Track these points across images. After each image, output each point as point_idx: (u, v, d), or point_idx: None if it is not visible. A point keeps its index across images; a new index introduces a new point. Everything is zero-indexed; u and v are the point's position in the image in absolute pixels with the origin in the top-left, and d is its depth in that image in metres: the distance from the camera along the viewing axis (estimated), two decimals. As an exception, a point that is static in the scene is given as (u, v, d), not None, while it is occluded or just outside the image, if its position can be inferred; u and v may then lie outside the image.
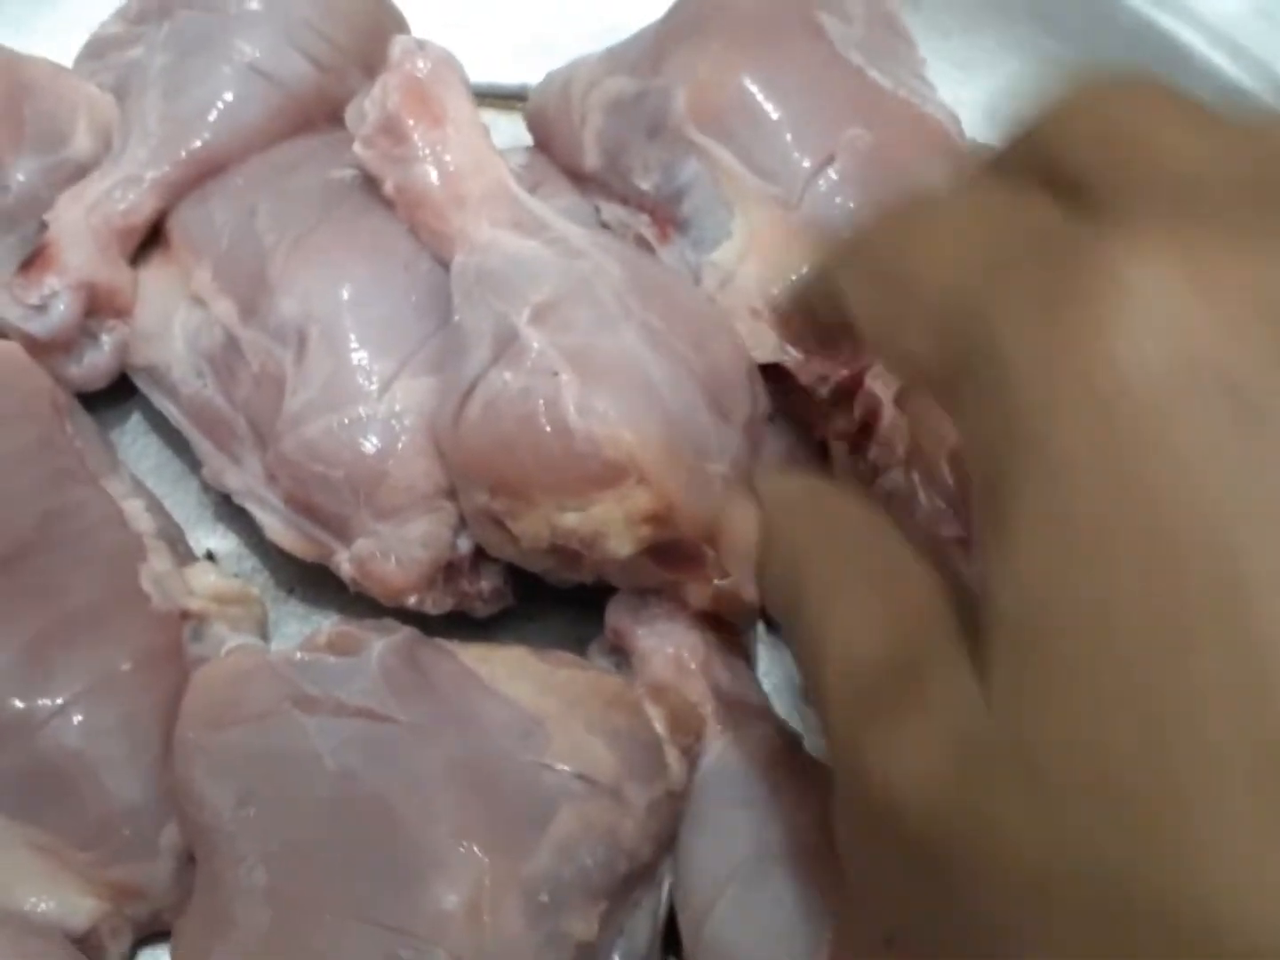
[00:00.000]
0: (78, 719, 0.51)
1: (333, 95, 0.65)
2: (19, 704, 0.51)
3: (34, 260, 0.62)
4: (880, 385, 0.56)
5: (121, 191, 0.63)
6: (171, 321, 0.62)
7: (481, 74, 0.68)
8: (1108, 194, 0.34)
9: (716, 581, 0.53)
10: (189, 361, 0.61)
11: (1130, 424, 0.30)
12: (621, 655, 0.57)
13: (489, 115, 0.67)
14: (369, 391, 0.56)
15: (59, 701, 0.52)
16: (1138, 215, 0.32)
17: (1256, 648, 0.28)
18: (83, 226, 0.62)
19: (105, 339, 0.63)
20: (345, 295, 0.58)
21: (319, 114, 0.66)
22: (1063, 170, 0.36)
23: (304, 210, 0.61)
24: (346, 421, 0.56)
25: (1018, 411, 0.32)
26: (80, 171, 0.65)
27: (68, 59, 0.70)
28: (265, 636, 0.60)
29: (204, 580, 0.58)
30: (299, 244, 0.59)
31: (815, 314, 0.46)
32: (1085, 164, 0.35)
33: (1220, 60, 0.70)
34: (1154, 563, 0.29)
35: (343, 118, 0.62)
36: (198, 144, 0.64)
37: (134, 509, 0.59)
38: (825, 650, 0.38)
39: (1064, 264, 0.32)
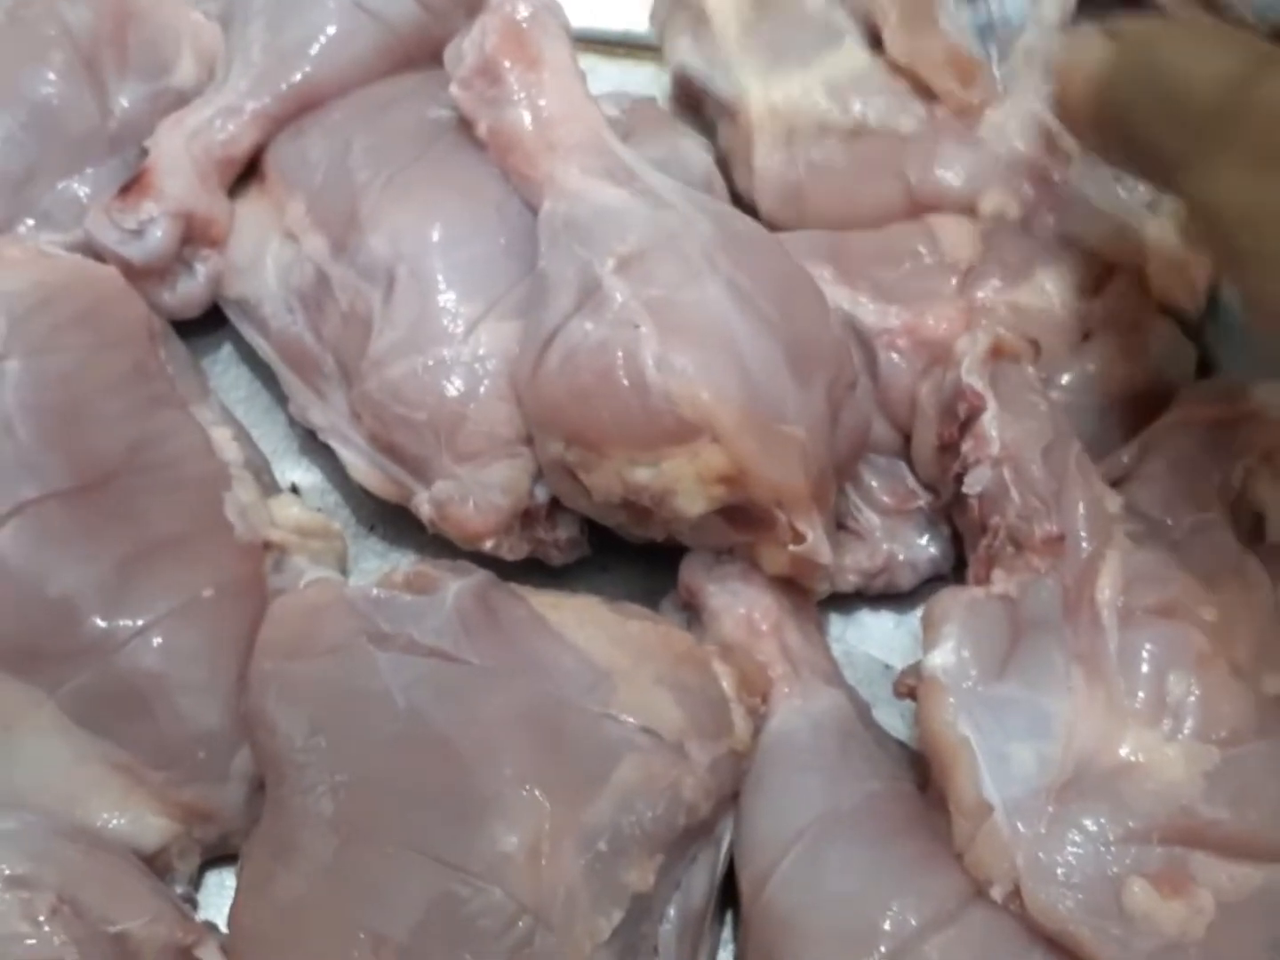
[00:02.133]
0: (158, 641, 0.53)
1: (436, 36, 0.65)
2: (102, 623, 0.52)
3: (133, 186, 0.62)
4: (979, 381, 0.56)
5: (222, 121, 0.64)
6: (264, 255, 0.62)
7: (583, 19, 0.69)
8: None
9: (791, 547, 0.54)
10: (280, 296, 0.62)
11: None
12: (693, 612, 0.57)
13: (589, 60, 0.67)
14: (454, 334, 0.57)
15: (140, 623, 0.53)
16: None
17: None
18: (183, 155, 0.63)
19: (200, 268, 0.64)
20: (435, 236, 0.58)
21: (421, 54, 0.66)
22: None
23: (398, 148, 0.61)
24: (430, 364, 0.57)
25: None
26: (183, 99, 0.66)
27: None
28: (345, 571, 0.61)
29: (287, 512, 0.59)
30: (391, 182, 0.60)
31: None
32: None
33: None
34: None
35: (443, 60, 0.62)
36: (299, 77, 0.64)
37: (222, 437, 0.60)
38: None
39: None
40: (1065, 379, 0.61)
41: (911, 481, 0.61)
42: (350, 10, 0.65)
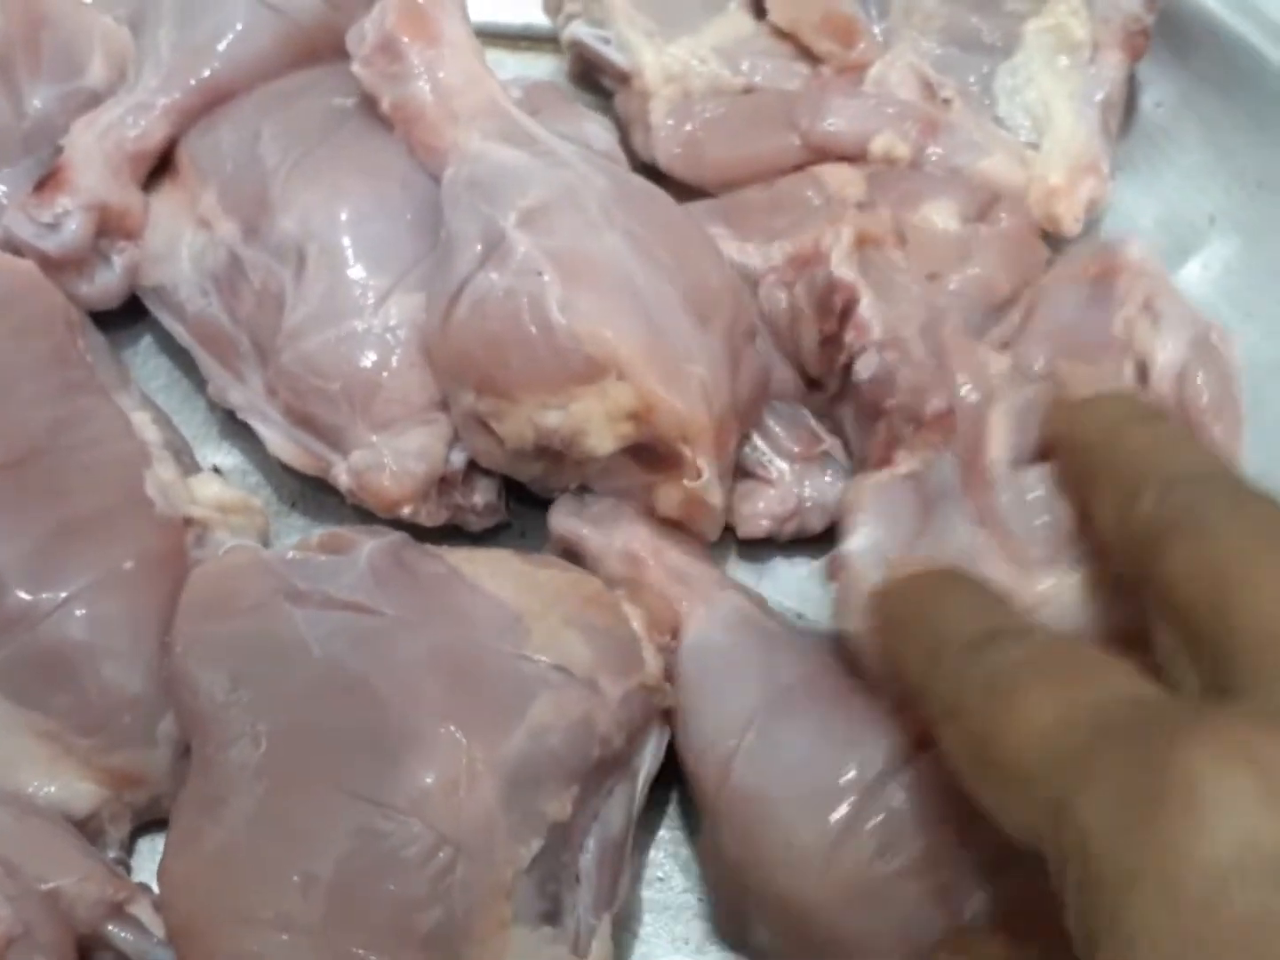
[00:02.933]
0: (81, 611, 0.54)
1: (339, 29, 0.66)
2: (25, 596, 0.53)
3: (48, 181, 0.64)
4: (850, 271, 0.57)
5: (134, 117, 0.65)
6: (179, 243, 0.64)
7: (485, 13, 0.71)
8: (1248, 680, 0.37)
9: (687, 483, 0.55)
10: (195, 281, 0.63)
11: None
12: (574, 559, 0.58)
13: (493, 55, 0.69)
14: (364, 306, 0.58)
15: (63, 595, 0.54)
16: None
17: None
18: (96, 150, 0.64)
19: (116, 259, 0.65)
20: (343, 214, 0.60)
21: (325, 46, 0.67)
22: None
23: (305, 134, 0.63)
24: (343, 335, 0.58)
25: (1103, 893, 0.34)
26: (95, 99, 0.67)
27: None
28: (266, 545, 0.62)
29: (207, 490, 0.60)
30: (299, 165, 0.61)
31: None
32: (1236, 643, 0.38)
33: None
34: None
35: (348, 51, 0.64)
36: (207, 72, 0.66)
37: (141, 420, 0.61)
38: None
39: (1151, 762, 0.35)
40: (952, 284, 0.62)
41: (816, 426, 0.62)
42: (255, 6, 0.66)
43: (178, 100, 0.65)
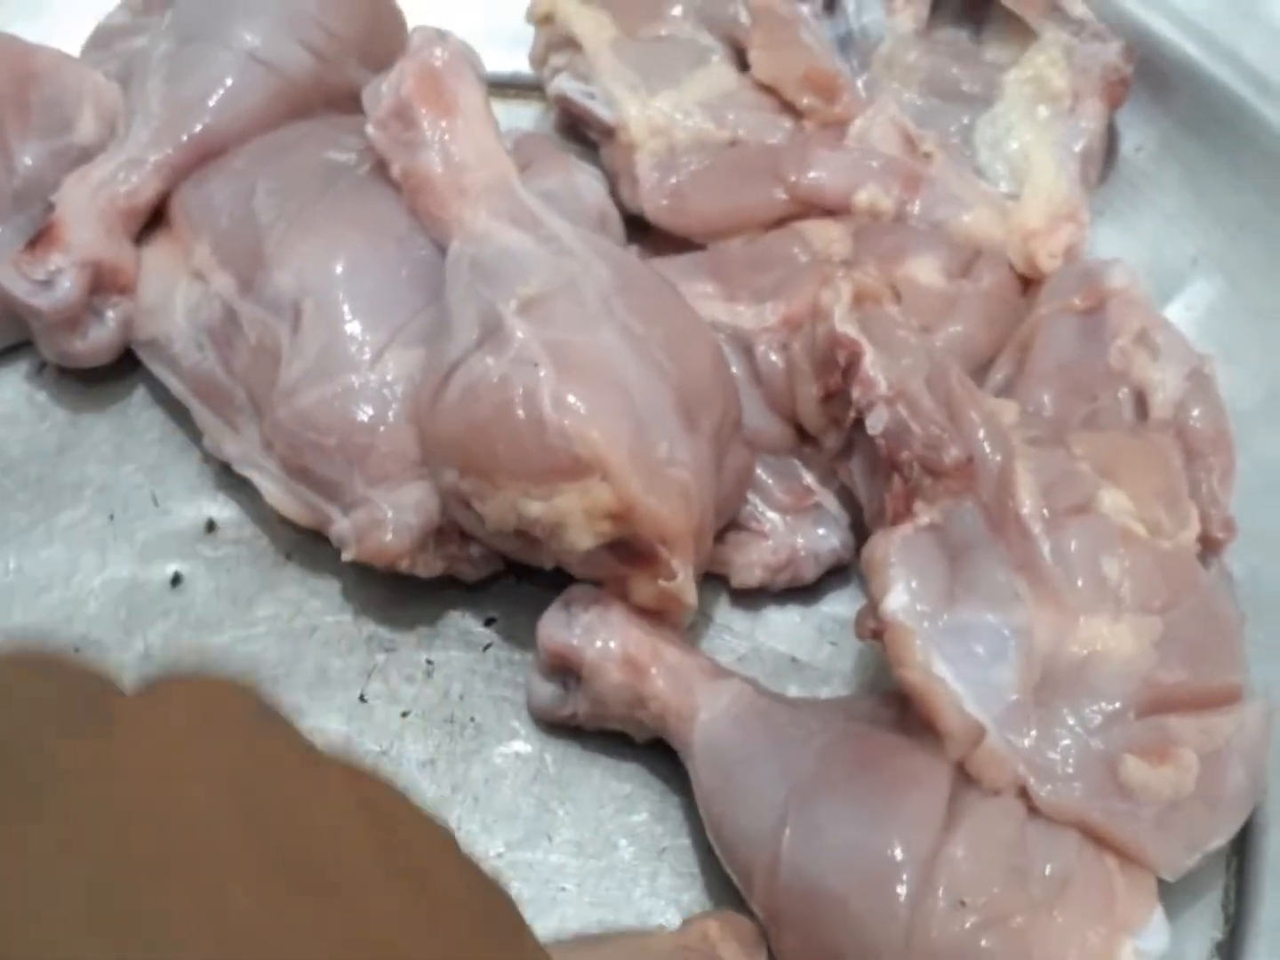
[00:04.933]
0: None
1: (330, 84, 0.68)
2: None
3: (40, 238, 0.64)
4: (852, 328, 0.58)
5: (125, 173, 0.65)
6: (173, 297, 0.64)
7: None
8: None
9: (663, 582, 0.56)
10: (189, 335, 0.63)
11: None
12: (568, 674, 0.59)
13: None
14: (361, 361, 0.59)
15: None
16: None
17: None
18: (88, 207, 0.65)
19: (110, 315, 0.66)
20: (338, 269, 0.61)
21: (316, 101, 0.68)
22: None
23: (300, 189, 0.63)
24: (339, 390, 0.59)
25: None
26: (85, 156, 0.68)
27: (76, 48, 0.73)
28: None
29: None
30: (295, 220, 0.62)
31: None
32: None
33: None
34: None
35: (338, 105, 0.64)
36: (198, 127, 0.66)
37: None
38: None
39: None
40: (939, 341, 0.63)
41: (808, 478, 0.63)
42: (246, 62, 0.67)
43: (169, 155, 0.66)
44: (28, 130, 0.68)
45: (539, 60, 0.75)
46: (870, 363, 0.57)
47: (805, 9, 0.72)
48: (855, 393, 0.57)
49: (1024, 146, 0.68)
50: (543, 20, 0.74)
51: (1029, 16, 0.70)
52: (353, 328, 0.59)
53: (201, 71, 0.67)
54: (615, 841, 0.59)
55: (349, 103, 0.66)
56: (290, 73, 0.67)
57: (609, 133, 0.71)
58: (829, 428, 0.60)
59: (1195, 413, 0.59)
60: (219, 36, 0.68)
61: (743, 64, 0.72)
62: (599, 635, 0.57)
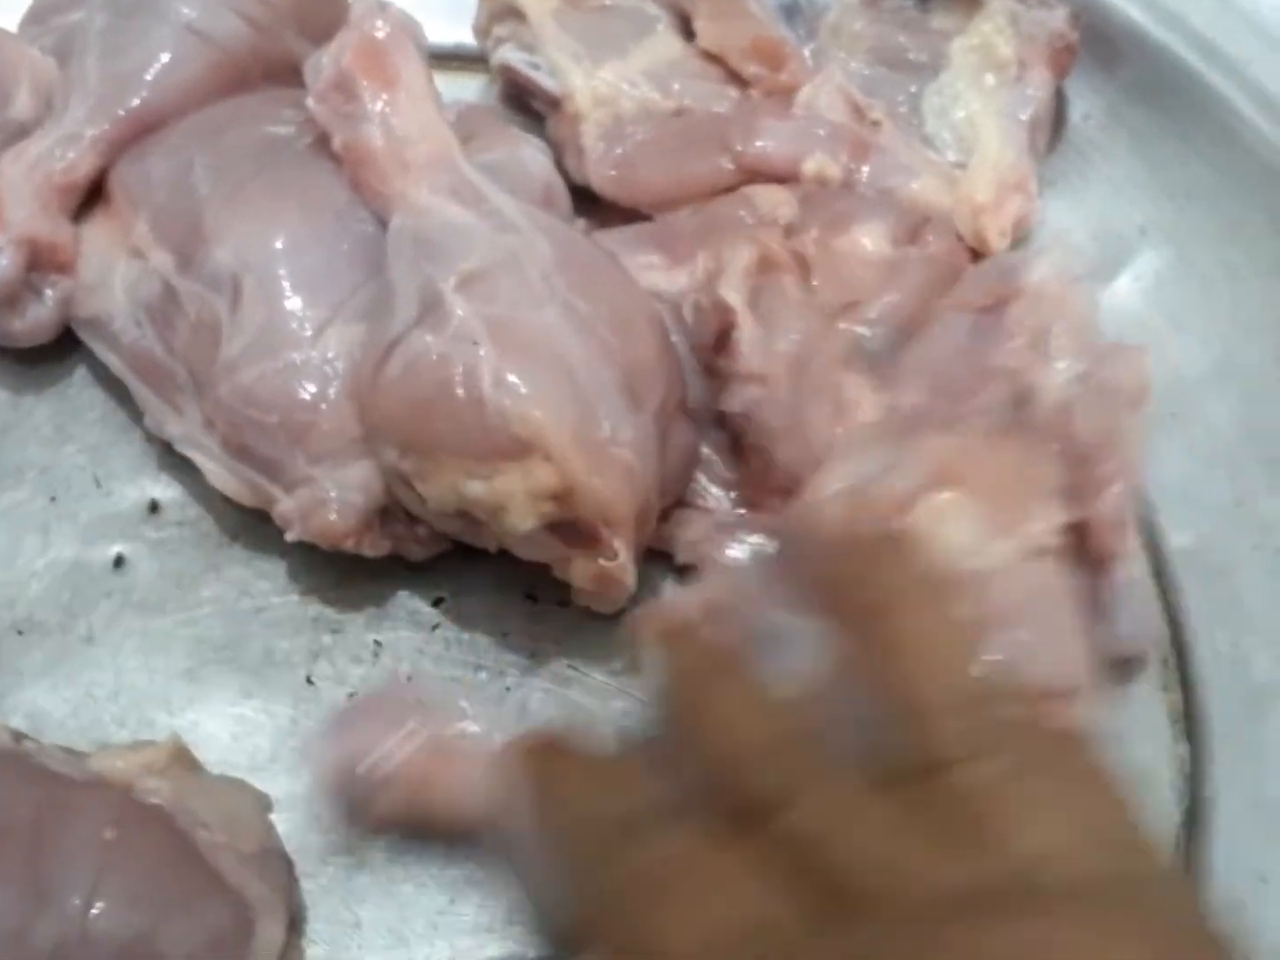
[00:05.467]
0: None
1: (268, 54, 0.67)
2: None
3: (-25, 217, 0.63)
4: (735, 295, 0.58)
5: (62, 149, 0.64)
6: (112, 274, 0.63)
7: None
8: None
9: (603, 562, 0.55)
10: (129, 312, 0.62)
11: None
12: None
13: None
14: (302, 338, 0.58)
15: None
16: None
17: None
18: (24, 184, 0.64)
19: (48, 294, 0.65)
20: (278, 244, 0.60)
21: (254, 73, 0.67)
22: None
23: (239, 164, 0.62)
24: (280, 367, 0.58)
25: None
26: (22, 132, 0.67)
27: (11, 24, 0.71)
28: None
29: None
30: (233, 196, 0.61)
31: None
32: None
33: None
34: None
35: (278, 77, 0.64)
36: (135, 102, 0.65)
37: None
38: None
39: None
40: (872, 309, 0.62)
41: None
42: (182, 34, 0.66)
43: (106, 131, 0.65)
44: None
45: (483, 30, 0.74)
46: (745, 334, 0.56)
47: (753, -24, 0.71)
48: (721, 362, 0.56)
49: (971, 115, 0.68)
50: (486, -12, 0.73)
51: None
52: (293, 304, 0.59)
53: (138, 45, 0.66)
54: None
55: (289, 74, 0.65)
56: (227, 44, 0.66)
57: (554, 103, 0.71)
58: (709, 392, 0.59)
59: (1082, 416, 0.57)
60: (154, 9, 0.67)
61: (689, 33, 0.71)
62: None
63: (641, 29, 0.71)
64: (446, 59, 0.76)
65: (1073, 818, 0.37)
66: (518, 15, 0.72)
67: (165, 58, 0.66)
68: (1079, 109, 0.75)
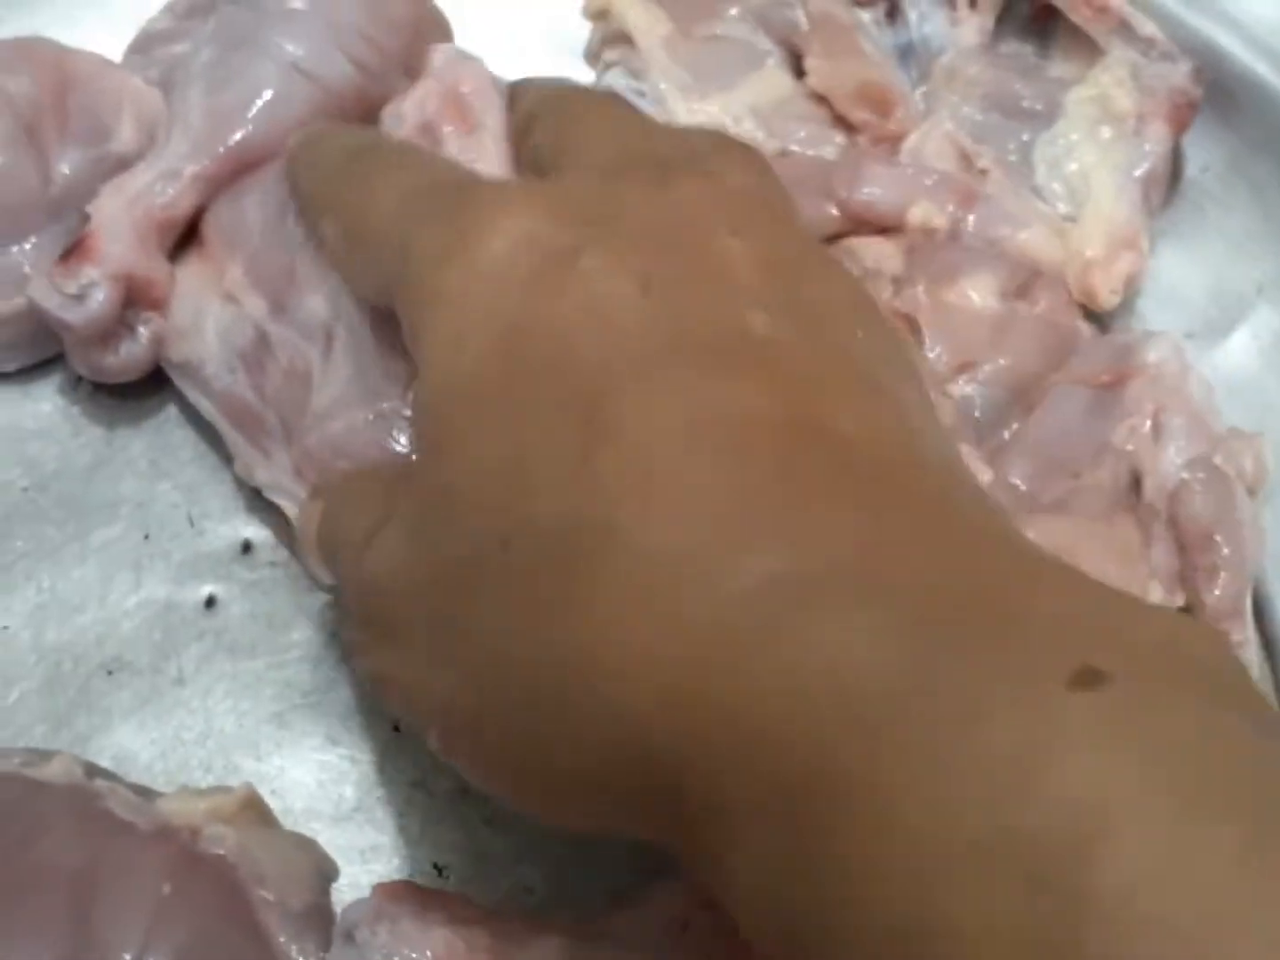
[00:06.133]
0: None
1: (372, 96, 0.66)
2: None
3: (74, 250, 0.63)
4: None
5: (162, 185, 0.64)
6: (205, 317, 0.63)
7: (522, 69, 0.70)
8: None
9: None
10: (221, 357, 0.62)
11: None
12: None
13: None
14: (393, 389, 0.57)
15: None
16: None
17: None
18: (123, 218, 0.63)
19: (142, 331, 0.64)
20: (371, 294, 0.59)
21: (357, 114, 0.67)
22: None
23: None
24: (370, 418, 0.57)
25: (422, 286, 0.46)
26: (123, 164, 0.67)
27: (117, 53, 0.72)
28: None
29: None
30: (328, 242, 0.60)
31: None
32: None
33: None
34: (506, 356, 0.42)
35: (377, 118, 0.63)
36: (237, 139, 0.65)
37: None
38: None
39: (472, 204, 0.46)
40: (983, 371, 0.61)
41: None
42: (288, 72, 0.66)
43: (206, 167, 0.65)
44: (66, 138, 0.67)
45: (594, 55, 0.73)
46: None
47: (867, 16, 0.70)
48: None
49: (1084, 168, 0.66)
50: (597, 15, 0.73)
51: (1096, 33, 0.67)
52: (383, 354, 0.58)
53: (242, 81, 0.66)
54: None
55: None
56: (332, 85, 0.66)
57: (657, 136, 0.69)
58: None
59: (1189, 504, 0.55)
60: (262, 45, 0.66)
61: (799, 70, 0.70)
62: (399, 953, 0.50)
63: (751, 63, 0.70)
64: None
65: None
66: (628, 41, 0.71)
67: (269, 95, 0.65)
68: (1197, 161, 0.72)
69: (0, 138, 0.66)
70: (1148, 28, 0.67)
